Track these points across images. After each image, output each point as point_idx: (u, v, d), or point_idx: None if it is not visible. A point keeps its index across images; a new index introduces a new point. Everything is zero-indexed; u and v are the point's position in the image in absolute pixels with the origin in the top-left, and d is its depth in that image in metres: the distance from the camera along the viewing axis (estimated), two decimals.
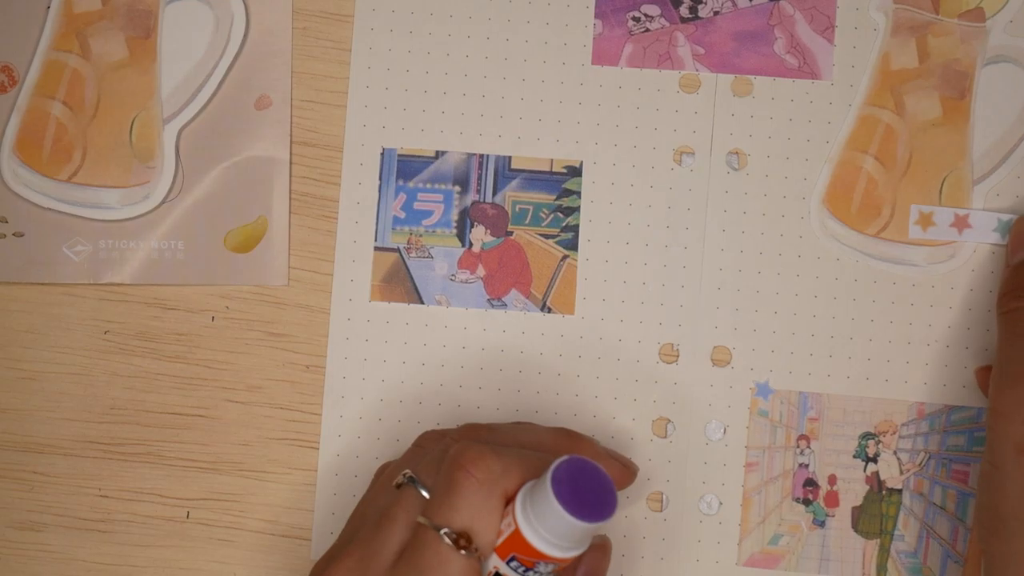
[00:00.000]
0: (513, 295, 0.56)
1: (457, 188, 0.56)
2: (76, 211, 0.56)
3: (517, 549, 0.46)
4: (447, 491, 0.47)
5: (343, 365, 0.56)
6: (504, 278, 0.56)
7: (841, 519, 0.56)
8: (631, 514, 0.56)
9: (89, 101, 0.56)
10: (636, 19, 0.57)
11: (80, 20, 0.56)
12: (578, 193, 0.56)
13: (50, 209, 0.56)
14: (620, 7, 0.56)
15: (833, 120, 0.56)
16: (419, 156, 0.56)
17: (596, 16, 0.56)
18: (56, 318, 0.56)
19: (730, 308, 0.56)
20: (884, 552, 0.56)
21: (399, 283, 0.56)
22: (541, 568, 0.46)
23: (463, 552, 0.46)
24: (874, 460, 0.56)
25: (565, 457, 0.46)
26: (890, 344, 0.56)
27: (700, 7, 0.56)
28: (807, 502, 0.56)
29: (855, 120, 0.56)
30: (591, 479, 0.46)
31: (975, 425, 0.56)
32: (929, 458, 0.56)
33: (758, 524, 0.56)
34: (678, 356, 0.56)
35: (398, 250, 0.56)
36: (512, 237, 0.56)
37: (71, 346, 0.56)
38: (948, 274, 0.56)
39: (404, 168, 0.56)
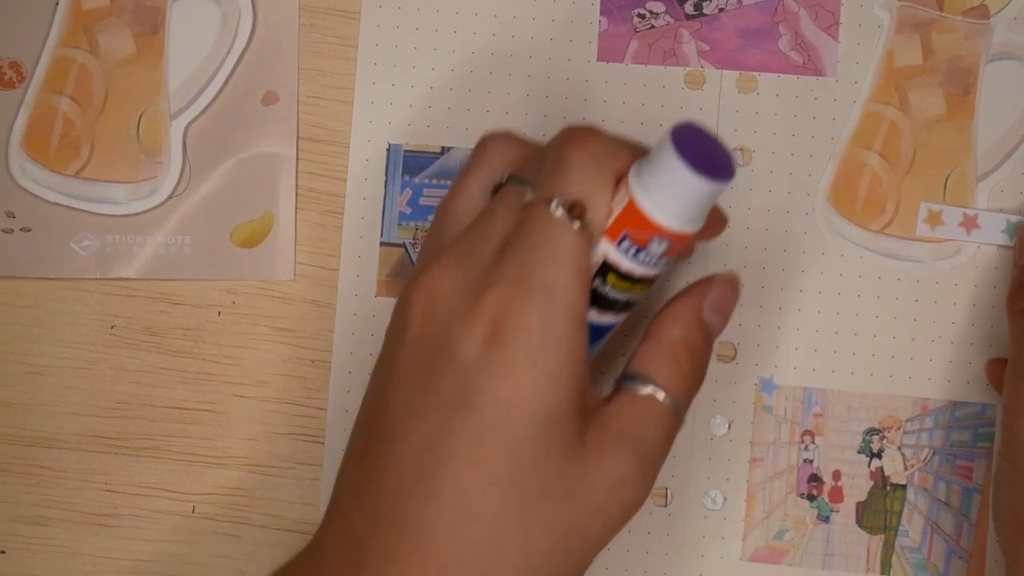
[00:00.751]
0: None
1: None
2: (83, 206, 0.56)
3: (630, 224, 0.43)
4: (556, 167, 0.43)
5: (349, 360, 0.56)
6: None
7: (845, 514, 0.56)
8: None
9: (97, 97, 0.56)
10: (641, 16, 0.57)
11: (88, 16, 0.56)
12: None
13: (57, 204, 0.56)
14: (625, 4, 0.57)
15: (837, 117, 0.56)
16: (425, 152, 0.57)
17: (601, 13, 0.57)
18: (63, 313, 0.56)
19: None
20: (889, 548, 0.56)
21: (405, 278, 0.56)
22: (654, 247, 0.43)
23: (576, 225, 0.43)
24: (879, 456, 0.56)
25: (683, 121, 0.43)
26: (894, 340, 0.56)
27: (705, 4, 0.57)
28: (811, 497, 0.56)
29: (859, 117, 0.56)
30: (709, 143, 0.43)
31: (979, 421, 0.56)
32: (933, 454, 0.56)
33: (762, 519, 0.56)
34: None
35: (404, 245, 0.56)
36: None
37: (78, 341, 0.56)
38: (952, 270, 0.56)
39: (410, 164, 0.57)
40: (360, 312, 0.56)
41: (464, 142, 0.56)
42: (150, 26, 0.56)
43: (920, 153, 0.56)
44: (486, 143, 0.48)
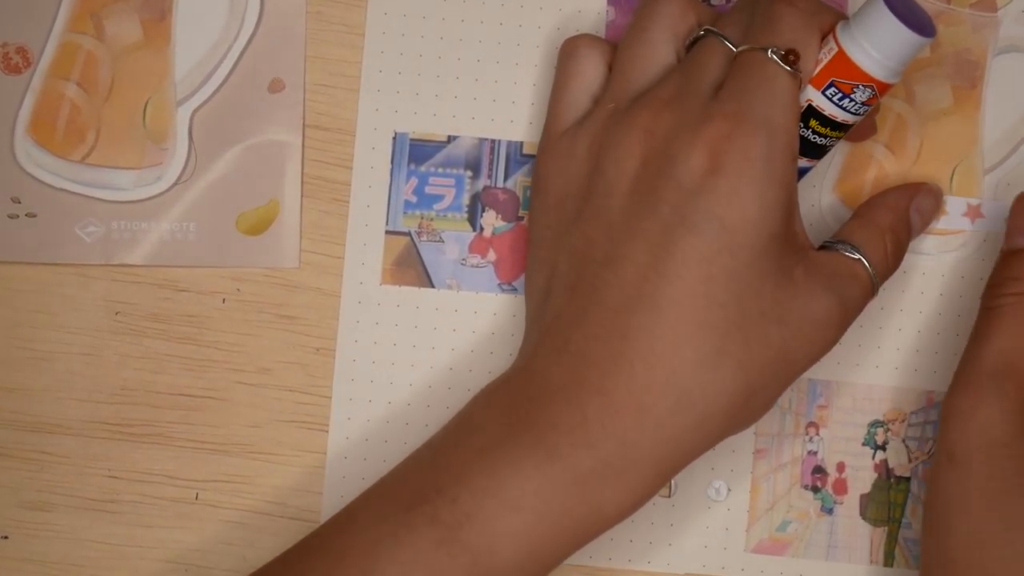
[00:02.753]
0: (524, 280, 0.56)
1: (469, 173, 0.57)
2: (89, 192, 0.56)
3: (837, 73, 0.48)
4: (767, 20, 0.48)
5: (353, 348, 0.56)
6: (515, 263, 0.56)
7: (849, 506, 0.56)
8: None
9: (103, 83, 0.56)
10: None
11: (95, 2, 0.56)
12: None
13: (63, 190, 0.56)
14: None
15: None
16: (431, 141, 0.57)
17: (609, 3, 0.57)
18: (67, 299, 0.56)
19: None
20: (892, 539, 0.56)
21: (410, 267, 0.56)
22: (857, 95, 0.48)
23: (791, 69, 0.47)
24: (883, 448, 0.56)
25: None
26: (900, 332, 0.56)
27: None
28: (815, 489, 0.56)
29: None
30: (911, 6, 0.49)
31: None
32: None
33: (766, 511, 0.56)
34: None
35: (409, 234, 0.56)
36: (523, 222, 0.56)
37: (82, 327, 0.56)
38: (958, 263, 0.56)
39: (416, 152, 0.57)
40: (365, 300, 0.56)
41: (470, 131, 0.56)
42: (157, 12, 0.56)
43: (926, 145, 0.56)
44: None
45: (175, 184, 0.56)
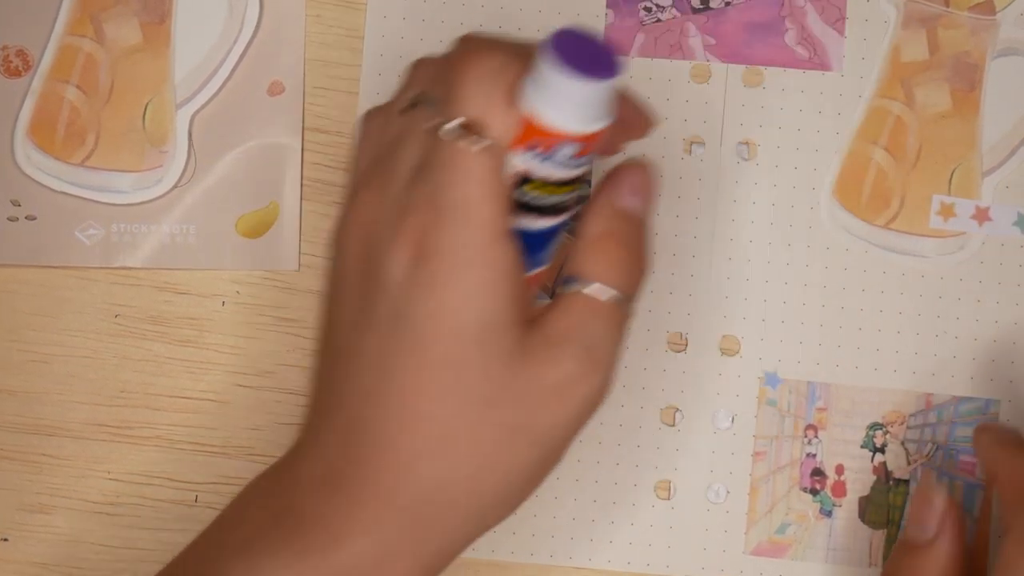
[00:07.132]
0: None
1: None
2: (89, 195, 0.56)
3: (532, 135, 0.43)
4: (450, 88, 0.44)
5: None
6: None
7: (848, 509, 0.56)
8: (638, 502, 0.56)
9: (103, 85, 0.56)
10: (648, 9, 0.57)
11: (95, 5, 0.56)
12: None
13: (63, 192, 0.56)
14: None
15: (843, 111, 0.56)
16: None
17: (608, 6, 0.57)
18: (67, 301, 0.56)
19: (739, 297, 0.56)
20: (891, 542, 0.56)
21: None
22: (564, 151, 0.44)
23: (477, 143, 0.44)
24: (882, 450, 0.56)
25: (558, 28, 0.43)
26: (898, 335, 0.56)
27: None
28: (814, 492, 0.56)
29: (865, 112, 0.56)
30: (589, 43, 0.43)
31: (983, 417, 0.56)
32: (936, 449, 0.56)
33: (765, 513, 0.56)
34: (686, 345, 0.56)
35: None
36: None
37: (82, 329, 0.56)
38: (957, 266, 0.56)
39: None
40: None
41: None
42: (157, 15, 0.56)
43: (926, 148, 0.56)
44: (418, 62, 0.49)
45: (175, 187, 0.56)
